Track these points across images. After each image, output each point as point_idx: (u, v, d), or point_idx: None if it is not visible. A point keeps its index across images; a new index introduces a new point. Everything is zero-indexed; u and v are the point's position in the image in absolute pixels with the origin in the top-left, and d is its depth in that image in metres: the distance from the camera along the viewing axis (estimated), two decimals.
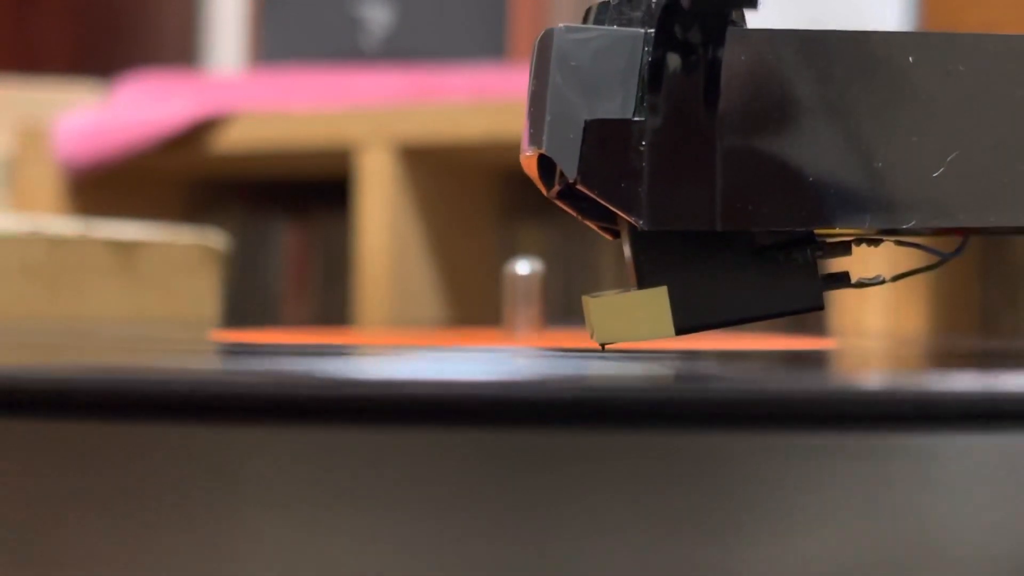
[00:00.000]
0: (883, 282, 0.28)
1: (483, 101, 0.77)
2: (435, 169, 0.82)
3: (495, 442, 0.17)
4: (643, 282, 0.26)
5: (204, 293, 0.59)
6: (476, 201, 0.88)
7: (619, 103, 0.25)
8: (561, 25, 0.25)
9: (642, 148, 0.25)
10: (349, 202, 0.86)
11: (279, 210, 0.93)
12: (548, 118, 0.25)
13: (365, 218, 0.78)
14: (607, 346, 0.28)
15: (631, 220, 0.25)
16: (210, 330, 0.42)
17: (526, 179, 0.92)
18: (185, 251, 0.59)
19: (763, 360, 0.26)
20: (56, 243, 0.55)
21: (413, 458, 0.17)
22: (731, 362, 0.24)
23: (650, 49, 0.25)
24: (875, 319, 0.62)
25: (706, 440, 0.17)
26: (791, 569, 0.18)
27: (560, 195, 0.27)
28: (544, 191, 0.28)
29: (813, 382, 0.17)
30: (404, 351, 0.28)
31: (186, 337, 0.36)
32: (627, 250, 0.27)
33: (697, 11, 0.24)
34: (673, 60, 0.25)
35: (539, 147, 0.25)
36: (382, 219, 0.78)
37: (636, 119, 0.25)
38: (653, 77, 0.25)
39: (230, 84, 0.85)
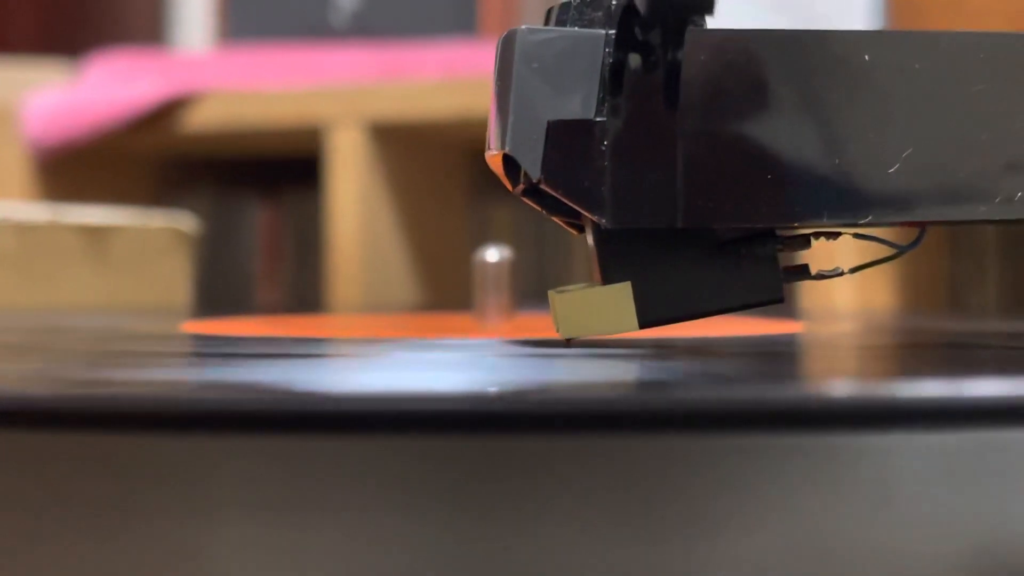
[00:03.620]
0: (842, 274, 0.28)
1: (454, 78, 0.77)
2: (406, 147, 0.82)
3: (460, 449, 0.17)
4: (607, 278, 0.27)
5: (176, 277, 0.59)
6: (448, 179, 0.88)
7: (581, 103, 0.25)
8: (524, 26, 0.26)
9: (604, 148, 0.25)
10: (320, 180, 0.86)
11: (250, 189, 0.93)
12: (511, 119, 0.25)
13: (336, 197, 0.78)
14: (572, 340, 0.28)
15: (594, 219, 0.25)
16: (181, 321, 0.43)
17: None
18: (156, 235, 0.59)
19: (726, 357, 0.26)
20: (25, 229, 0.55)
21: (381, 466, 0.18)
22: (694, 360, 0.25)
23: (611, 50, 0.25)
24: (844, 296, 0.63)
25: (667, 443, 0.18)
26: (749, 568, 0.18)
27: (525, 192, 0.28)
28: (510, 187, 0.28)
29: (774, 392, 0.18)
30: (372, 352, 0.28)
31: (157, 332, 0.36)
32: (591, 246, 0.27)
33: (655, 17, 0.24)
34: (633, 61, 0.25)
35: (503, 148, 0.26)
36: (353, 198, 0.78)
37: (598, 119, 0.25)
38: (614, 78, 0.25)
39: (198, 62, 0.85)
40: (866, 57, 0.26)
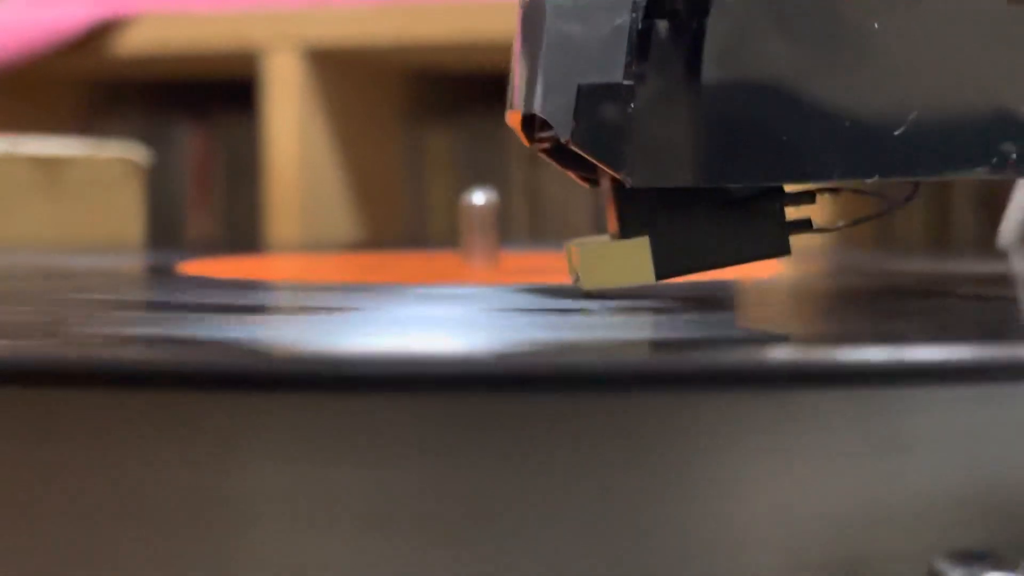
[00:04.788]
0: (840, 228, 0.30)
1: (393, 2, 0.77)
2: (344, 73, 0.82)
3: (467, 406, 0.19)
4: (626, 232, 0.28)
5: (129, 209, 0.59)
6: (385, 105, 0.88)
7: (609, 67, 0.26)
8: None
9: (630, 111, 0.26)
10: (255, 106, 0.85)
11: (183, 114, 0.92)
12: (541, 81, 0.26)
13: (272, 123, 0.78)
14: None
15: (620, 178, 0.27)
16: (173, 261, 0.43)
17: (435, 82, 0.92)
18: (108, 166, 0.58)
19: (717, 310, 0.28)
20: None
21: (392, 422, 0.19)
22: (686, 313, 0.26)
23: (638, 15, 0.26)
24: None
25: (662, 402, 0.19)
26: (739, 526, 0.20)
27: (543, 150, 0.29)
28: (526, 143, 0.29)
29: (755, 356, 0.19)
30: (395, 308, 0.29)
31: (162, 281, 0.36)
32: (609, 201, 0.28)
33: None
34: (660, 27, 0.26)
35: (532, 109, 0.27)
36: (290, 124, 0.78)
37: (625, 83, 0.26)
38: (641, 43, 0.26)
39: None
40: (875, 25, 0.27)
